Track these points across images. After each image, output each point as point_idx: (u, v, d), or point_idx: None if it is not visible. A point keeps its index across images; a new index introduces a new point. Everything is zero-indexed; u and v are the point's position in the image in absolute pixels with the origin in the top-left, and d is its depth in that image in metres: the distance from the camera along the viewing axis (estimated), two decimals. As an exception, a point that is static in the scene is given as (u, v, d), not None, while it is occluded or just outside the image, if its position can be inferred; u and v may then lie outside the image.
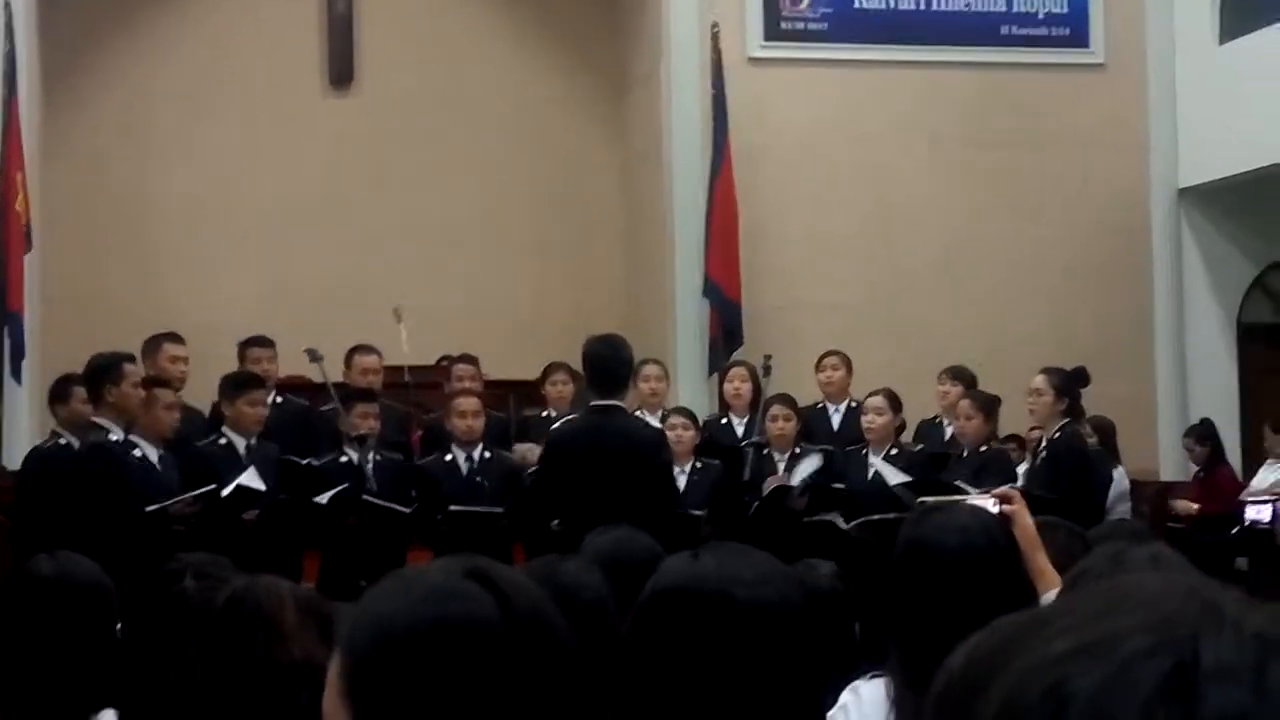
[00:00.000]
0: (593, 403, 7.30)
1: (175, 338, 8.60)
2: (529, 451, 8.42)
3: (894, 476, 8.31)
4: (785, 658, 2.13)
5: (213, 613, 2.23)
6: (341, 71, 12.86)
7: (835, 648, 3.74)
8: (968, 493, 6.56)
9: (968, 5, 12.32)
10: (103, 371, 7.52)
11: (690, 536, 6.46)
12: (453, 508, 8.24)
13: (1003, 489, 4.15)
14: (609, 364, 7.27)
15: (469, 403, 8.76)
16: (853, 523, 8.17)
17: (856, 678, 3.12)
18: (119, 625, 3.38)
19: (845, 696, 3.07)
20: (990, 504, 3.50)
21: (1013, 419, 9.22)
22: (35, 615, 3.36)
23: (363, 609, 1.57)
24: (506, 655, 1.51)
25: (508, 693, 1.51)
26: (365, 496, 8.10)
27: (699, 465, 8.67)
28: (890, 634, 3.00)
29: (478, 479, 8.54)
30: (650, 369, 9.49)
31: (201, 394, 8.70)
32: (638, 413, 9.10)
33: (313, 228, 12.50)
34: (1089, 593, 0.85)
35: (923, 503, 3.74)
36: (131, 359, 7.84)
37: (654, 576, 2.27)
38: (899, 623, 2.97)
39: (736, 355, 10.94)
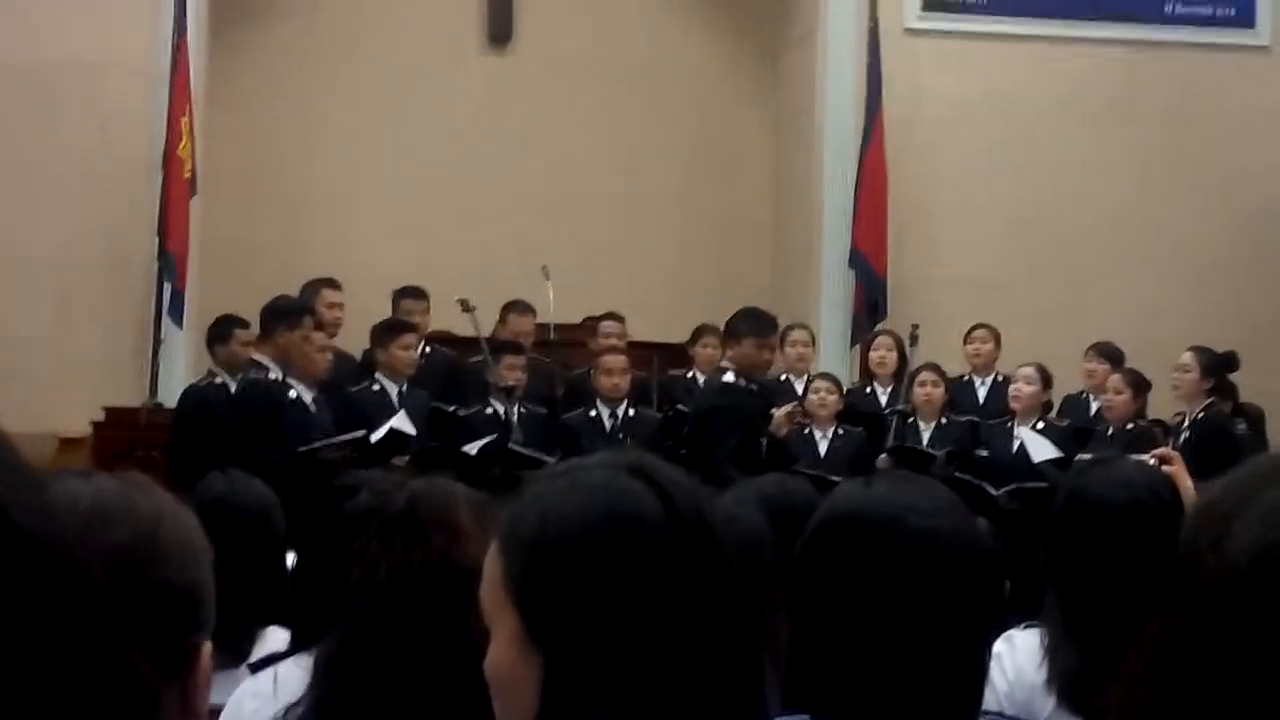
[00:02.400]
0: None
1: (333, 284, 8.76)
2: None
3: (1039, 449, 8.25)
4: (956, 589, 2.12)
5: (391, 515, 2.28)
6: (500, 30, 12.95)
7: (990, 591, 3.72)
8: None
9: (1132, -19, 12.12)
10: (282, 314, 7.69)
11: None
12: (596, 459, 8.30)
13: (1162, 450, 4.12)
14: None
15: (615, 360, 8.83)
16: (1002, 490, 8.12)
17: (1006, 629, 3.11)
18: (289, 550, 3.47)
19: (999, 645, 3.06)
20: (1151, 464, 3.48)
21: (1158, 404, 9.09)
22: (208, 532, 3.47)
23: (525, 504, 1.60)
24: (670, 550, 1.53)
25: (671, 587, 1.52)
26: (511, 446, 8.20)
27: (841, 431, 8.67)
28: (1049, 583, 3.00)
29: (621, 435, 8.61)
30: (797, 334, 9.52)
31: (353, 344, 8.85)
32: (783, 378, 9.14)
33: (466, 183, 12.60)
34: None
35: (1084, 459, 3.72)
36: (313, 312, 7.98)
37: (826, 502, 2.28)
38: (1060, 573, 2.97)
39: (881, 326, 10.89)
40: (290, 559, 3.50)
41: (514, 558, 1.56)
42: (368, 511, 2.27)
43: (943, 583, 2.11)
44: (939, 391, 8.84)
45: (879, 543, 2.13)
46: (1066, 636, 2.91)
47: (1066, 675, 2.87)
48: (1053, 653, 2.91)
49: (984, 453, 8.73)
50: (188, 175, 10.58)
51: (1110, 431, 8.48)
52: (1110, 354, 9.36)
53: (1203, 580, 0.86)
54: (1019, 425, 8.64)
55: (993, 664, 3.02)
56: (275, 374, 7.55)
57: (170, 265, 10.45)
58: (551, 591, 1.53)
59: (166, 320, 10.47)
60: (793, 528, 2.41)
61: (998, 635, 3.08)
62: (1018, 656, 3.01)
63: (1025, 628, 3.06)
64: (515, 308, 9.60)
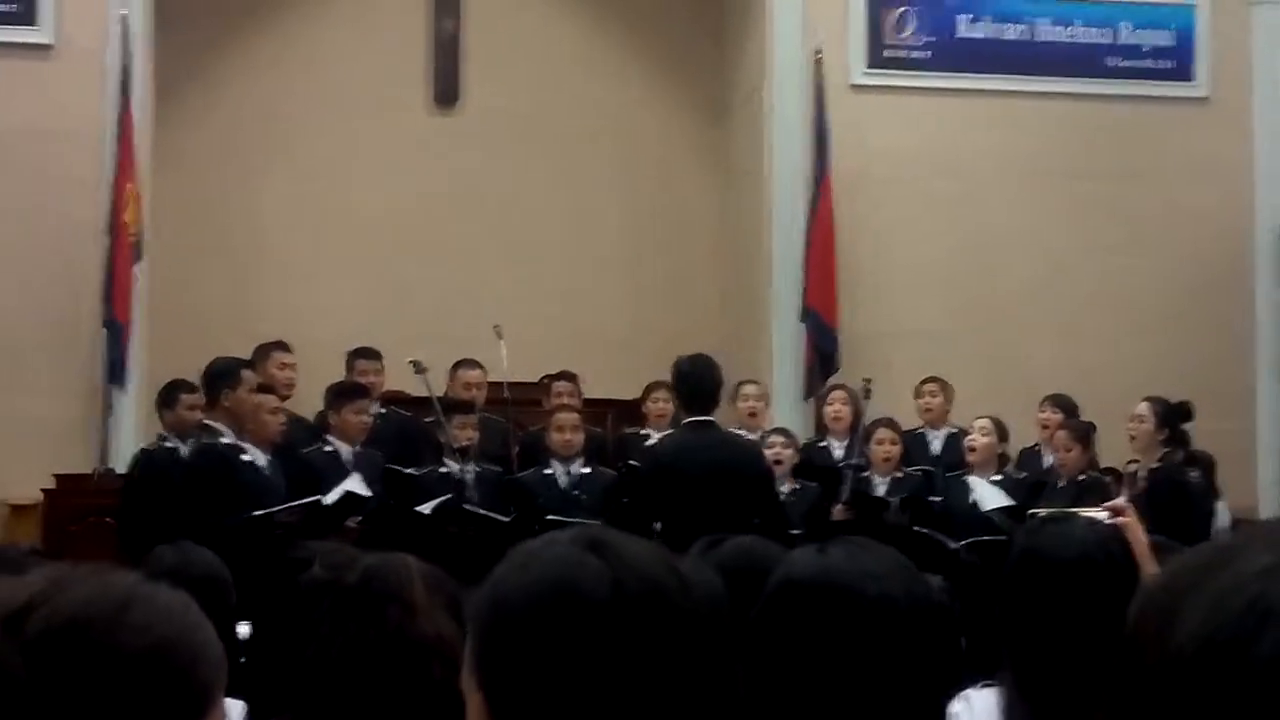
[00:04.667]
0: (686, 419, 7.38)
1: (284, 346, 8.74)
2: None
3: (991, 500, 8.30)
4: (911, 654, 2.14)
5: (343, 591, 2.27)
6: (447, 90, 12.99)
7: (945, 652, 3.73)
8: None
9: (1071, 36, 12.26)
10: (221, 376, 7.69)
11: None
12: (550, 517, 8.30)
13: (1115, 501, 4.14)
14: (700, 380, 7.39)
15: (568, 418, 8.85)
16: (961, 543, 8.15)
17: (963, 689, 3.12)
18: (244, 619, 3.45)
19: (956, 705, 3.06)
20: (1103, 516, 3.50)
21: (1110, 452, 9.15)
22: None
23: (488, 584, 1.61)
24: (618, 622, 1.53)
25: (623, 660, 1.52)
26: (466, 506, 8.19)
27: (798, 486, 8.69)
28: (1003, 643, 3.01)
29: (575, 493, 8.61)
30: (749, 388, 9.54)
31: (306, 406, 8.83)
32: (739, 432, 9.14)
33: (416, 244, 12.62)
34: (1276, 523, 0.88)
35: (1035, 514, 3.74)
36: (250, 365, 8.01)
37: (781, 567, 2.29)
38: (1013, 632, 2.98)
39: (834, 379, 10.93)
40: (244, 629, 3.48)
41: (474, 636, 1.57)
42: (321, 586, 2.26)
43: (899, 647, 2.13)
44: (896, 449, 8.90)
45: (835, 609, 2.14)
46: (1019, 695, 2.92)
47: (1022, 733, 2.88)
48: (1008, 712, 2.92)
49: (938, 499, 8.78)
50: (133, 240, 10.56)
51: (1061, 484, 8.53)
52: (1064, 405, 9.43)
53: (1149, 667, 0.87)
54: (974, 477, 8.69)
55: (951, 723, 3.04)
56: (227, 437, 7.52)
57: (116, 332, 10.41)
58: (507, 667, 1.54)
59: (114, 387, 10.41)
60: (749, 589, 2.42)
61: (955, 694, 3.10)
62: (975, 716, 3.01)
63: (982, 686, 3.07)
64: (463, 364, 9.60)
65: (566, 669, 1.52)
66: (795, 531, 7.99)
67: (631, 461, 8.79)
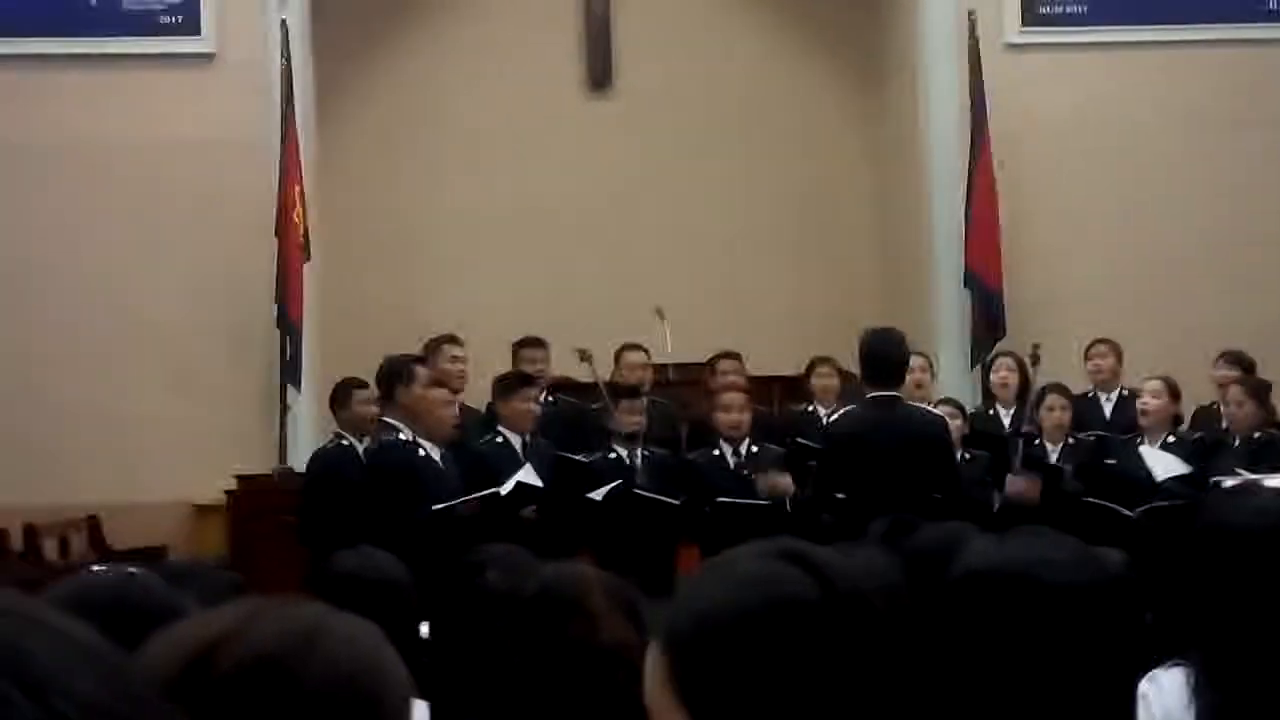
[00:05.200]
0: (870, 394, 7.34)
1: (454, 339, 8.84)
2: (777, 481, 8.37)
3: (1165, 469, 8.12)
4: (1095, 641, 2.11)
5: (522, 601, 2.30)
6: (600, 74, 13.05)
7: (1130, 635, 3.68)
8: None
9: (1231, -19, 11.96)
10: (396, 374, 7.80)
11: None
12: (721, 499, 8.32)
13: (1299, 469, 4.04)
14: (886, 355, 7.35)
15: (735, 398, 8.83)
16: (1138, 510, 8.00)
17: (1151, 668, 3.07)
18: (425, 620, 3.51)
19: (1144, 686, 3.01)
20: (1285, 484, 3.42)
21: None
22: (342, 606, 3.52)
23: (681, 600, 1.61)
24: (830, 634, 1.54)
25: (834, 671, 1.53)
26: (636, 490, 8.22)
27: (967, 456, 8.59)
28: (1189, 621, 2.95)
29: (745, 473, 8.60)
30: (914, 360, 9.43)
31: (477, 398, 8.93)
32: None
33: (575, 230, 12.71)
34: None
35: (1218, 483, 3.66)
36: (422, 361, 8.12)
37: (960, 559, 2.28)
38: (1199, 609, 2.92)
39: (1000, 346, 10.80)
40: (425, 629, 3.54)
41: (676, 656, 1.56)
42: (500, 596, 2.30)
43: (1083, 634, 2.11)
44: (1067, 415, 8.75)
45: (1017, 599, 2.13)
46: (1208, 675, 2.86)
47: (1212, 714, 2.82)
48: (1198, 692, 2.87)
49: (1111, 461, 8.63)
50: (301, 241, 10.77)
51: (1235, 443, 8.32)
52: (1241, 361, 9.21)
53: None
54: (1148, 440, 8.51)
55: (1140, 706, 2.99)
56: (405, 434, 7.64)
57: (290, 332, 10.63)
58: (718, 686, 1.53)
59: (290, 386, 10.64)
60: (930, 577, 2.41)
61: (1143, 673, 3.05)
62: (1165, 698, 2.96)
63: (1170, 666, 3.01)
64: (627, 348, 9.64)
65: (779, 683, 1.52)
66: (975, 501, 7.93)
67: (800, 439, 8.77)
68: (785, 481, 8.21)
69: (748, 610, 1.54)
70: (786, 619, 1.53)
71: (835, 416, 7.79)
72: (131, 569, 2.52)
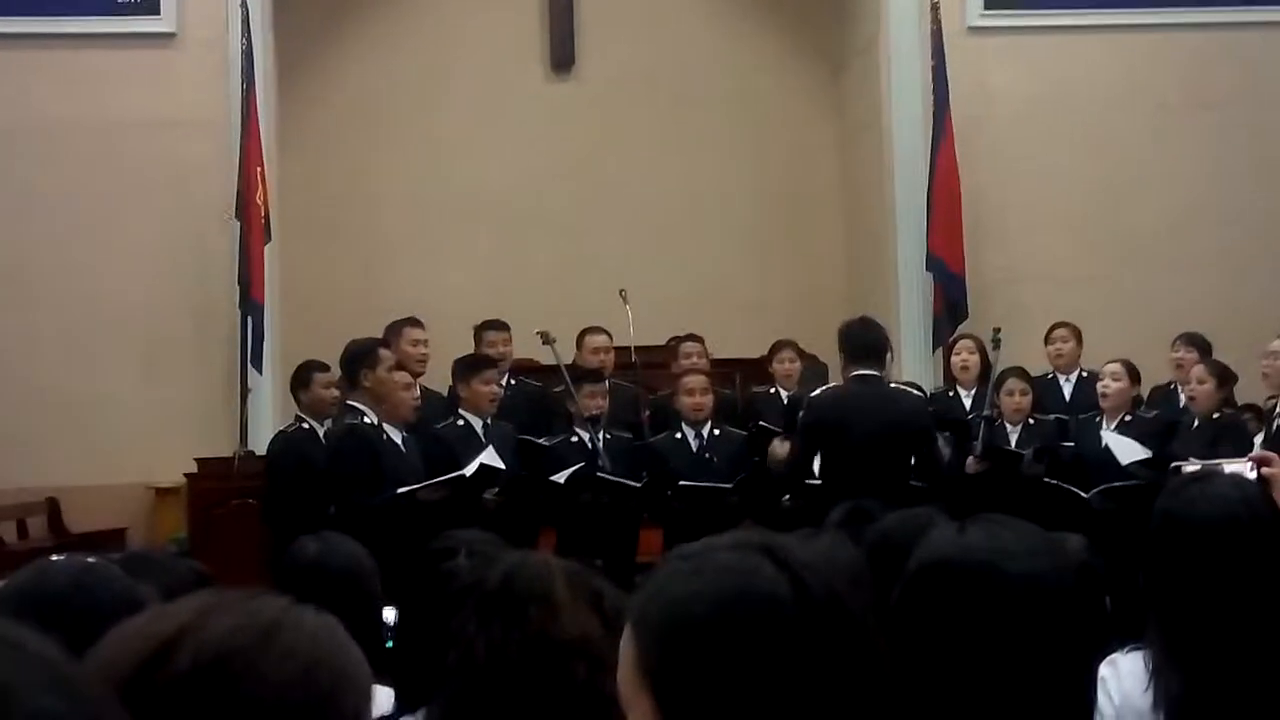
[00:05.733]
0: (855, 372, 7.39)
1: (415, 322, 8.81)
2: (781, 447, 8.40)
3: (1127, 453, 8.17)
4: (1057, 630, 2.12)
5: (487, 591, 2.30)
6: (563, 56, 13.02)
7: (1090, 622, 3.70)
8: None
9: (1192, -37, 12.00)
10: (360, 356, 7.77)
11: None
12: (683, 483, 8.33)
13: (1260, 451, 4.06)
14: (867, 337, 7.42)
15: (697, 380, 8.85)
16: (1093, 491, 8.05)
17: (1110, 652, 3.09)
18: (391, 603, 3.50)
19: (1103, 670, 3.03)
20: (1246, 467, 3.44)
21: (1247, 390, 8.96)
22: (302, 596, 3.51)
23: (654, 589, 1.61)
24: (802, 630, 1.54)
25: (805, 667, 1.53)
26: (598, 473, 8.23)
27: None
28: (1149, 607, 2.97)
29: (707, 455, 8.63)
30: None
31: (439, 381, 8.91)
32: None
33: (538, 212, 12.70)
34: None
35: (1177, 468, 3.68)
36: (385, 344, 8.09)
37: (920, 549, 2.28)
38: (1158, 595, 2.94)
39: (962, 328, 10.84)
40: (390, 615, 3.54)
41: (647, 641, 1.57)
42: (465, 586, 2.29)
43: (1044, 622, 2.12)
44: (1027, 400, 8.80)
45: (976, 589, 2.13)
46: (1168, 659, 2.88)
47: (1171, 699, 2.85)
48: (1156, 676, 2.89)
49: (1071, 444, 8.68)
50: (263, 223, 10.71)
51: (1195, 424, 8.37)
52: (1198, 343, 9.26)
53: None
54: (1107, 422, 8.56)
55: (1098, 689, 3.01)
56: (370, 417, 7.62)
57: (255, 313, 10.58)
58: (685, 675, 1.54)
59: (252, 369, 10.59)
60: (891, 567, 2.42)
61: (1102, 657, 3.07)
62: (1123, 681, 2.99)
63: (1129, 650, 3.04)
64: (589, 331, 9.63)
65: (750, 675, 1.52)
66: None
67: (762, 422, 8.79)
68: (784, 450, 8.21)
69: (719, 602, 1.55)
70: (757, 612, 1.54)
71: (817, 392, 7.79)
72: (90, 558, 2.51)
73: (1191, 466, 3.80)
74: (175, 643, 1.35)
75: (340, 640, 1.44)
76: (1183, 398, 9.04)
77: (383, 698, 3.27)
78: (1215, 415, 8.31)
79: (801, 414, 7.63)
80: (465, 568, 2.72)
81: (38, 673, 0.80)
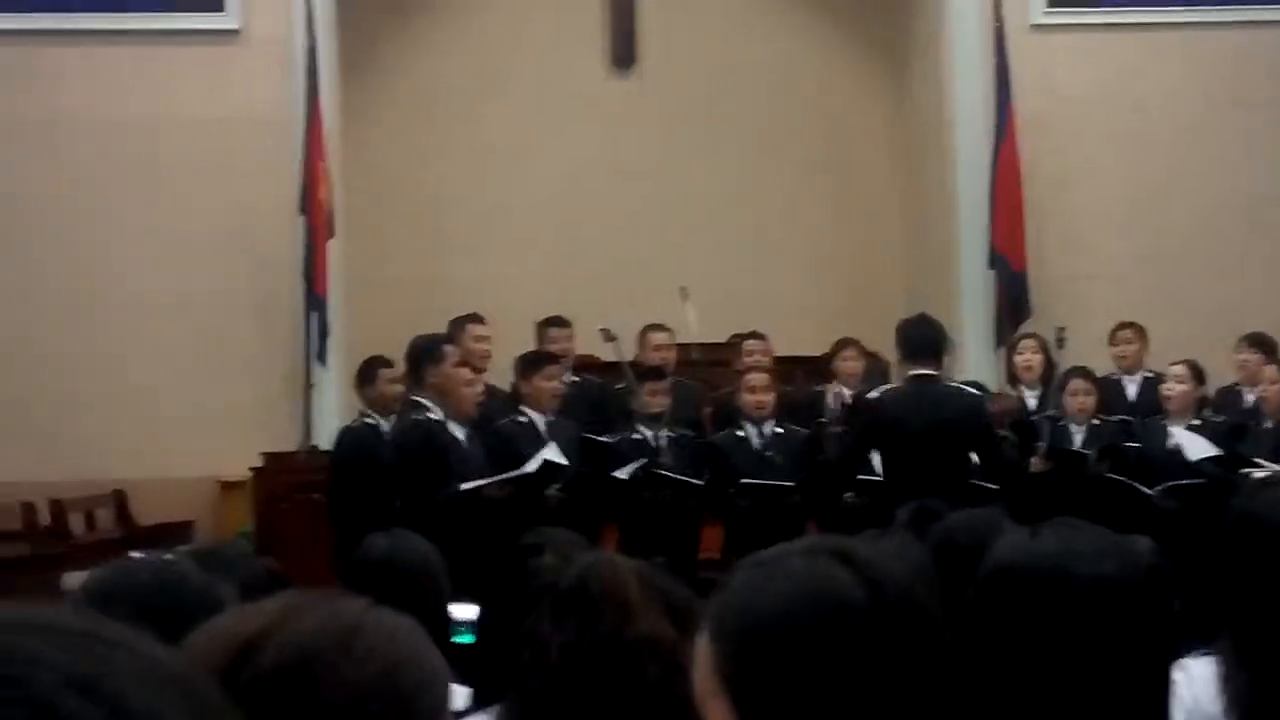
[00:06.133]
0: (912, 372, 7.40)
1: (478, 318, 8.84)
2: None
3: (1197, 450, 8.11)
4: (1128, 633, 2.12)
5: (561, 591, 2.32)
6: (624, 52, 13.04)
7: (1162, 625, 3.68)
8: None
9: (1256, -39, 11.90)
10: (425, 353, 7.82)
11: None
12: (744, 481, 8.33)
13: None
14: (926, 334, 7.43)
15: (759, 378, 8.84)
16: (1158, 488, 8.00)
17: (1180, 655, 3.07)
18: (465, 599, 3.53)
19: (1175, 675, 3.01)
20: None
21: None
22: (371, 592, 3.54)
23: (731, 596, 1.63)
24: (878, 633, 1.56)
25: (881, 670, 1.55)
26: (660, 470, 8.24)
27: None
28: (1222, 611, 2.96)
29: (768, 454, 8.62)
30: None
31: (498, 376, 8.94)
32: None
33: (599, 208, 12.72)
34: None
35: (1246, 475, 3.66)
36: (450, 340, 8.13)
37: (990, 553, 2.29)
38: (1231, 600, 2.92)
39: (1024, 327, 10.79)
40: (469, 611, 3.55)
41: (725, 647, 1.59)
42: (541, 588, 2.31)
43: (1114, 626, 2.12)
44: (1091, 400, 8.74)
45: (1047, 593, 2.14)
46: (1240, 664, 2.87)
47: (1241, 705, 2.83)
48: (1227, 682, 2.87)
49: (1136, 444, 8.63)
50: (327, 219, 10.79)
51: (1268, 424, 8.29)
52: (1263, 343, 9.17)
53: None
54: (1173, 424, 8.50)
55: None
56: (436, 414, 7.66)
57: (320, 308, 10.65)
58: (762, 679, 1.57)
59: (316, 363, 10.66)
60: (960, 566, 2.42)
61: (1174, 661, 3.05)
62: (1194, 686, 2.97)
63: (1201, 655, 3.02)
64: (651, 328, 9.64)
65: (827, 679, 1.55)
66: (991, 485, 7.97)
67: (821, 419, 8.79)
68: None
69: (795, 608, 1.57)
70: (833, 617, 1.56)
71: (876, 393, 7.80)
72: (168, 555, 2.55)
73: (1263, 472, 3.78)
74: (258, 644, 1.38)
75: (419, 642, 1.46)
76: (1248, 399, 8.98)
77: (459, 695, 3.30)
78: (1288, 416, 8.25)
79: (859, 415, 7.66)
80: (549, 566, 2.74)
81: (171, 688, 0.82)
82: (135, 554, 2.56)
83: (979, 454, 7.35)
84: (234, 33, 11.23)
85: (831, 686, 1.54)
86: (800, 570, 1.61)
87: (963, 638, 2.16)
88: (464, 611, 3.59)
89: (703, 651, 1.62)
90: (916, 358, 7.42)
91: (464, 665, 3.01)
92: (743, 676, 1.57)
